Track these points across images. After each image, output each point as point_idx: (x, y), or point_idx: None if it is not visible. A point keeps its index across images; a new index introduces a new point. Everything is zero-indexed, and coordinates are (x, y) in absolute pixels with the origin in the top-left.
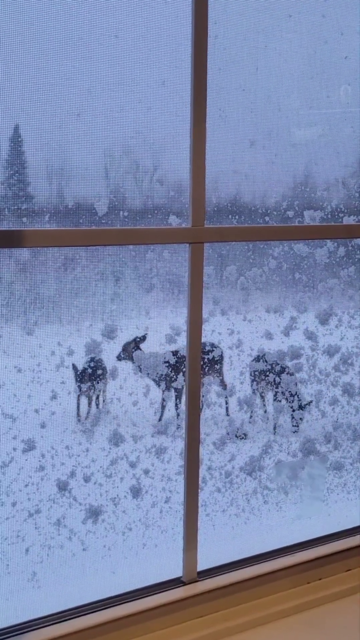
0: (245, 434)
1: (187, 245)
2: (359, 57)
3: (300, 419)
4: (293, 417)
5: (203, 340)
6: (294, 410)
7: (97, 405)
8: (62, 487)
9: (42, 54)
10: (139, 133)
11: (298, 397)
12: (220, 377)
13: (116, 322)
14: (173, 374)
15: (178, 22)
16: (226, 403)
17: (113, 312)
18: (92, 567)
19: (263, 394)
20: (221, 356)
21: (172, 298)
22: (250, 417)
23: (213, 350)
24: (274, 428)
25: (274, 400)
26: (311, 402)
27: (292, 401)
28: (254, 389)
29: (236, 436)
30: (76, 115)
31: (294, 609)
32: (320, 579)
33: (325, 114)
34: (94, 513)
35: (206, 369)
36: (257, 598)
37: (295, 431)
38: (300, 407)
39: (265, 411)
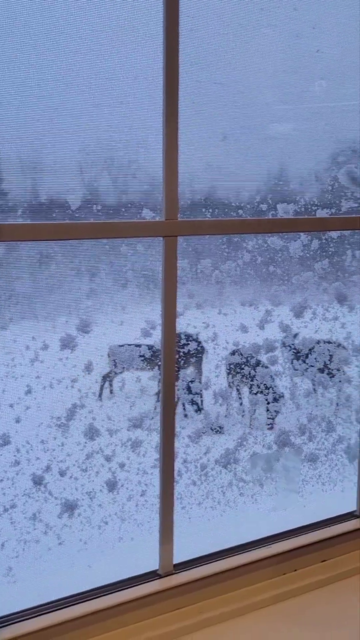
0: (221, 427)
1: (161, 239)
2: (331, 52)
3: (276, 411)
4: (268, 410)
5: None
6: (268, 403)
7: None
8: (38, 481)
9: (15, 49)
10: (113, 127)
11: (273, 390)
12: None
13: (91, 317)
14: (148, 366)
15: (150, 16)
16: (201, 397)
17: (89, 307)
18: (68, 561)
19: (238, 387)
20: (201, 349)
21: (147, 292)
22: (227, 410)
23: (189, 344)
24: (250, 421)
25: (249, 393)
26: (282, 395)
27: (267, 394)
28: (229, 382)
29: (211, 429)
30: (50, 110)
31: (270, 600)
32: (295, 570)
33: (299, 109)
34: (70, 507)
35: (182, 362)
36: (233, 590)
37: (271, 425)
38: (275, 400)
39: (240, 404)
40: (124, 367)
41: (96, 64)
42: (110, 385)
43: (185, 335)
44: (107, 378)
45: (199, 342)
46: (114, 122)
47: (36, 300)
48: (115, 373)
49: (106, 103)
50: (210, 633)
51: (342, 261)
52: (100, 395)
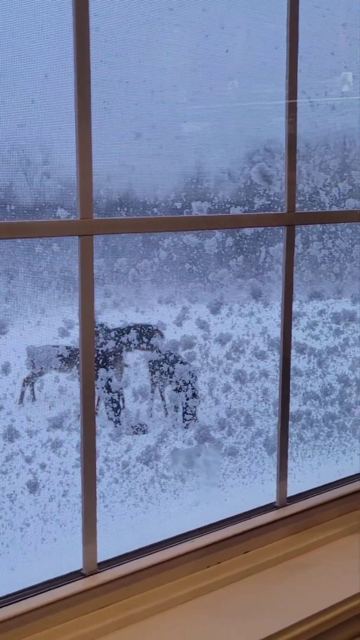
0: (144, 425)
1: (77, 238)
2: (240, 51)
3: (194, 406)
4: (187, 406)
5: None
6: (187, 399)
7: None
8: None
9: None
10: (24, 127)
11: (192, 386)
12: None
13: (8, 319)
14: (67, 366)
15: (59, 13)
16: (119, 395)
17: (6, 310)
18: None
19: (158, 384)
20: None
21: (64, 293)
22: (146, 407)
23: (107, 342)
24: (169, 417)
25: (169, 390)
26: (195, 393)
27: (187, 390)
28: (149, 380)
29: (132, 427)
30: None
31: (195, 593)
32: (219, 563)
33: (210, 108)
34: None
35: (100, 361)
36: (158, 585)
37: (191, 419)
38: (194, 395)
39: (162, 400)
40: (42, 368)
41: (4, 63)
42: (32, 388)
43: (105, 331)
44: (27, 382)
45: (118, 340)
46: (25, 122)
47: None
48: (35, 375)
49: (16, 102)
50: (136, 629)
51: (256, 258)
52: (21, 399)
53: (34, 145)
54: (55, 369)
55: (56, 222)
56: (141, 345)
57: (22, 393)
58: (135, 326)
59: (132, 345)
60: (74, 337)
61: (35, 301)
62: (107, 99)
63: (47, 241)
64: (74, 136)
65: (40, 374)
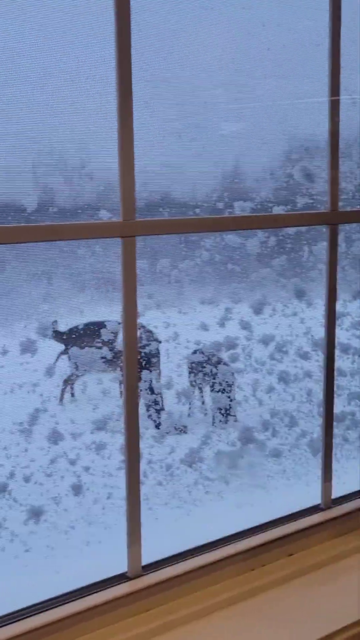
0: (184, 427)
1: (119, 239)
2: (281, 49)
3: (232, 408)
4: (230, 407)
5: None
6: (231, 401)
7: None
8: (2, 488)
9: None
10: (67, 128)
11: (234, 388)
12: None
13: (51, 320)
14: (110, 368)
15: (101, 13)
16: (161, 397)
17: (47, 311)
18: (35, 568)
19: (201, 386)
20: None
21: (106, 294)
22: (189, 409)
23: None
24: (213, 419)
25: (211, 391)
26: (232, 401)
27: (230, 391)
28: (191, 381)
29: (175, 429)
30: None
31: (239, 597)
32: (263, 565)
33: (251, 106)
34: (36, 513)
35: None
36: (202, 588)
37: (231, 419)
38: (231, 398)
39: (202, 402)
40: (85, 370)
41: (47, 65)
42: (72, 388)
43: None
44: (68, 382)
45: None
46: (67, 123)
47: None
48: (77, 376)
49: (59, 104)
50: (180, 633)
51: (299, 257)
52: (61, 399)
53: (75, 146)
54: (99, 370)
55: (99, 223)
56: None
57: (62, 392)
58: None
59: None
60: (118, 339)
61: (74, 302)
62: (148, 99)
63: (89, 243)
64: (116, 137)
65: (82, 374)
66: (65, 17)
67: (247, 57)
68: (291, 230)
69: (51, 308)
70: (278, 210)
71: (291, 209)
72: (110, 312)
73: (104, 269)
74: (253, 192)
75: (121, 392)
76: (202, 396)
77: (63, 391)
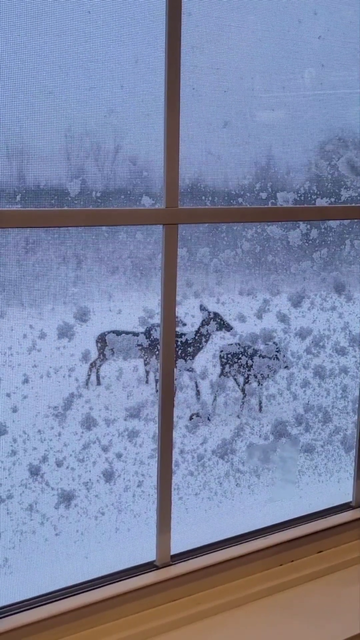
0: (208, 417)
1: (161, 226)
2: (331, 38)
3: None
4: (262, 400)
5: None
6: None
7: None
8: (34, 472)
9: (10, 29)
10: (113, 112)
11: (269, 379)
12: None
13: (89, 305)
14: (147, 356)
15: None
16: (197, 386)
17: (85, 296)
18: (64, 552)
19: (235, 377)
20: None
21: (144, 280)
22: (223, 400)
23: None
24: (247, 411)
25: (246, 382)
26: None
27: (264, 384)
28: (226, 372)
29: (208, 419)
30: (47, 93)
31: (267, 591)
32: (292, 561)
33: (298, 95)
34: (67, 498)
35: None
36: (230, 581)
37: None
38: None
39: (242, 392)
40: (112, 355)
41: (95, 47)
42: (98, 372)
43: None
44: (93, 365)
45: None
46: (113, 107)
47: (34, 288)
48: (103, 360)
49: (106, 87)
50: (208, 624)
51: (340, 251)
52: (86, 383)
53: (121, 131)
54: (135, 357)
55: (142, 210)
56: None
57: (89, 376)
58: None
59: None
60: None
61: (113, 287)
62: (196, 86)
63: (131, 229)
64: (162, 123)
65: (105, 359)
66: (116, 1)
67: (297, 44)
68: (333, 224)
69: (90, 292)
70: (321, 202)
71: (334, 202)
72: (149, 299)
73: (144, 255)
74: (296, 183)
75: (156, 379)
76: (237, 387)
77: (89, 375)
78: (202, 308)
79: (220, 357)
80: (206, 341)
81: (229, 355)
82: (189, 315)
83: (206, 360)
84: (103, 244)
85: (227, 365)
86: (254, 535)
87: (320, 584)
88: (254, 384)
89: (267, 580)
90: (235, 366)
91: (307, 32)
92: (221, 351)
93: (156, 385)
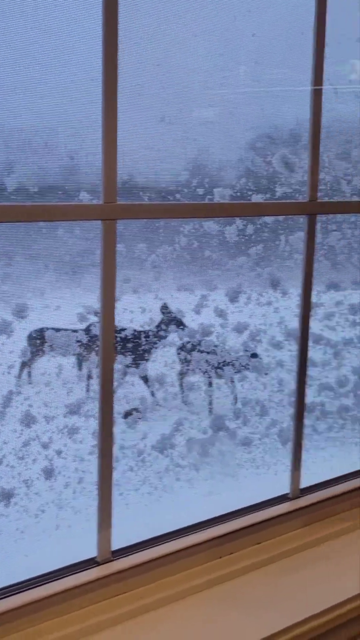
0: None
1: (100, 222)
2: (266, 36)
3: (210, 396)
4: (208, 395)
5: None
6: (209, 386)
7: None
8: None
9: None
10: (50, 108)
11: (209, 373)
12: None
13: (27, 302)
14: (86, 353)
15: None
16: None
17: (22, 293)
18: (4, 551)
19: (177, 372)
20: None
21: (83, 276)
22: (164, 395)
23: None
24: (185, 405)
25: (185, 377)
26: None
27: (205, 378)
28: (166, 367)
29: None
30: None
31: (207, 584)
32: (231, 553)
33: (235, 92)
34: (6, 496)
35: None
36: (171, 574)
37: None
38: (210, 385)
39: (181, 389)
40: (51, 351)
41: (30, 41)
42: (30, 370)
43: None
44: (26, 364)
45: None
46: (51, 103)
47: None
48: (36, 357)
49: (43, 81)
50: (150, 619)
51: (275, 246)
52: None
53: (58, 126)
54: (74, 354)
55: (80, 205)
56: None
57: (20, 373)
58: None
59: None
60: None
61: (51, 283)
62: (134, 82)
63: (70, 225)
64: (100, 118)
65: (39, 356)
66: None
67: (234, 42)
68: (269, 219)
69: (27, 289)
70: (257, 198)
71: (270, 198)
72: (88, 295)
73: (81, 250)
74: (232, 179)
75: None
76: (177, 382)
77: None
78: (165, 309)
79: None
80: (164, 338)
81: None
82: (127, 311)
83: (154, 357)
84: (40, 239)
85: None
86: (194, 528)
87: (259, 575)
88: (193, 379)
89: (208, 573)
90: (179, 362)
91: (241, 30)
92: (164, 347)
93: (88, 382)
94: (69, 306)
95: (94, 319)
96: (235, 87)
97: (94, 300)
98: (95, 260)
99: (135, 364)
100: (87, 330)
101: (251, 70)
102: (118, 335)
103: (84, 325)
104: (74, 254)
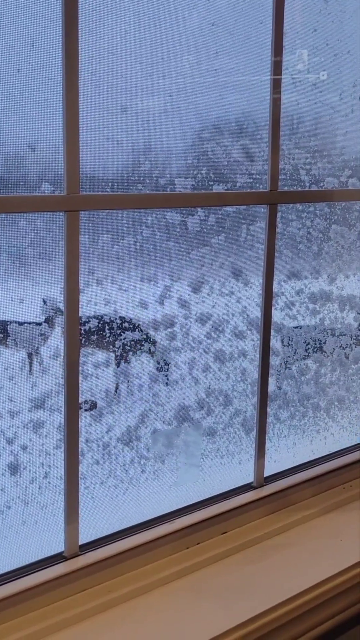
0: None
1: (63, 213)
2: (226, 25)
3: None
4: (167, 384)
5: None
6: (168, 378)
7: None
8: None
9: None
10: (9, 96)
11: (172, 366)
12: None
13: None
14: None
15: None
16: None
17: None
18: None
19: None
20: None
21: (46, 268)
22: (128, 387)
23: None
24: (151, 397)
25: (150, 369)
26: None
27: (167, 370)
28: (129, 359)
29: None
30: None
31: (175, 575)
32: (198, 544)
33: (195, 82)
34: None
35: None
36: (139, 567)
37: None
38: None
39: (142, 380)
40: (15, 345)
41: None
42: None
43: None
44: None
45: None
46: (10, 91)
47: None
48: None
49: (2, 71)
50: (119, 612)
51: (237, 236)
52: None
53: (18, 116)
54: (39, 347)
55: (43, 196)
56: None
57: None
58: None
59: None
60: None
61: (13, 276)
62: (94, 71)
63: (31, 216)
64: (61, 108)
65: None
66: None
67: (192, 30)
68: (230, 209)
69: None
70: (218, 188)
71: (230, 188)
72: (50, 287)
73: (44, 242)
74: (194, 169)
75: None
76: (140, 374)
77: None
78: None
79: (124, 345)
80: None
81: (132, 342)
82: (92, 303)
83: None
84: (1, 231)
85: (131, 352)
86: (161, 520)
87: (226, 564)
88: (157, 370)
89: (175, 564)
90: (139, 352)
91: (200, 18)
92: (124, 338)
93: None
94: (32, 299)
95: (57, 310)
96: (194, 77)
97: (57, 292)
98: (60, 251)
99: (100, 355)
100: (51, 322)
101: (212, 59)
102: (82, 327)
103: (45, 318)
104: (36, 246)
